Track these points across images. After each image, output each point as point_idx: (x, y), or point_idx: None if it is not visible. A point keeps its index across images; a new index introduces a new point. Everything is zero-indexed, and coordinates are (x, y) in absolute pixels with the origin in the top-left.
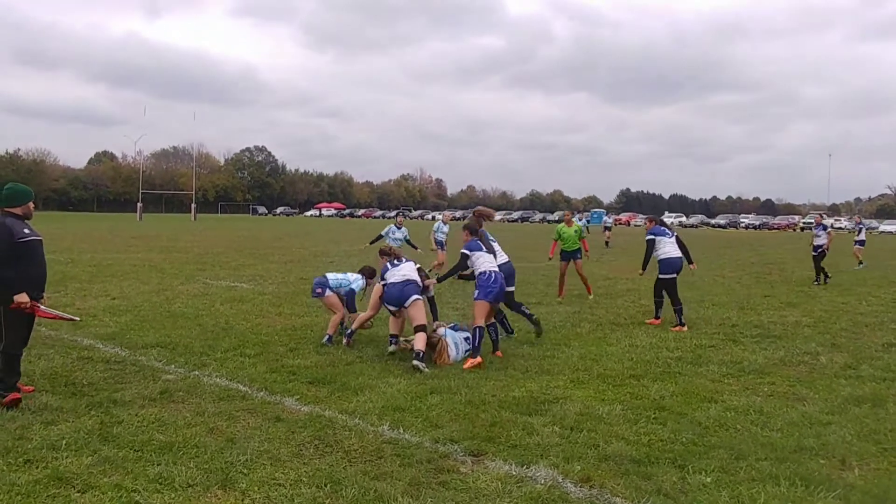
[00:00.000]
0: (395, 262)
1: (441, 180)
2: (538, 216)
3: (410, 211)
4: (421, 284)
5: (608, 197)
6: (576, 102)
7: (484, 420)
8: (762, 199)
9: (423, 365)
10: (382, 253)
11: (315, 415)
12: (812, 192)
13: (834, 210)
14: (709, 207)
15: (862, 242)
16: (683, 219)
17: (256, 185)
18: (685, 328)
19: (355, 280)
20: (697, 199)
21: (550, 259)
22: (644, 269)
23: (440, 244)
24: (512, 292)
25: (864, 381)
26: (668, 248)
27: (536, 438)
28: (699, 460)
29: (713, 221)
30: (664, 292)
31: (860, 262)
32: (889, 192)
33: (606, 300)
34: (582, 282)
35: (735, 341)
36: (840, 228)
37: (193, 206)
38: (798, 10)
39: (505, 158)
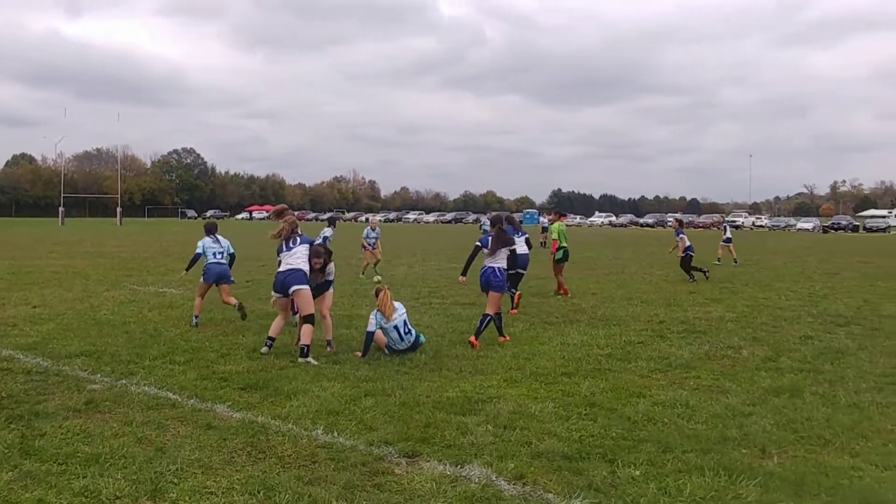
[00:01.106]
0: (291, 244)
1: (374, 182)
2: (471, 217)
3: (343, 213)
4: (307, 272)
5: (540, 197)
6: (509, 104)
7: (418, 421)
8: (688, 198)
9: (313, 359)
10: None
11: (247, 421)
12: (735, 192)
13: (755, 209)
14: (637, 207)
15: (728, 240)
16: (613, 218)
17: (185, 188)
18: None
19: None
20: (627, 198)
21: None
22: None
23: (371, 245)
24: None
25: (783, 373)
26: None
27: (470, 438)
28: (628, 454)
29: (641, 221)
30: None
31: (735, 261)
32: (806, 191)
33: (539, 299)
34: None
35: (662, 337)
36: (761, 226)
37: (119, 209)
38: (722, 16)
39: (439, 160)
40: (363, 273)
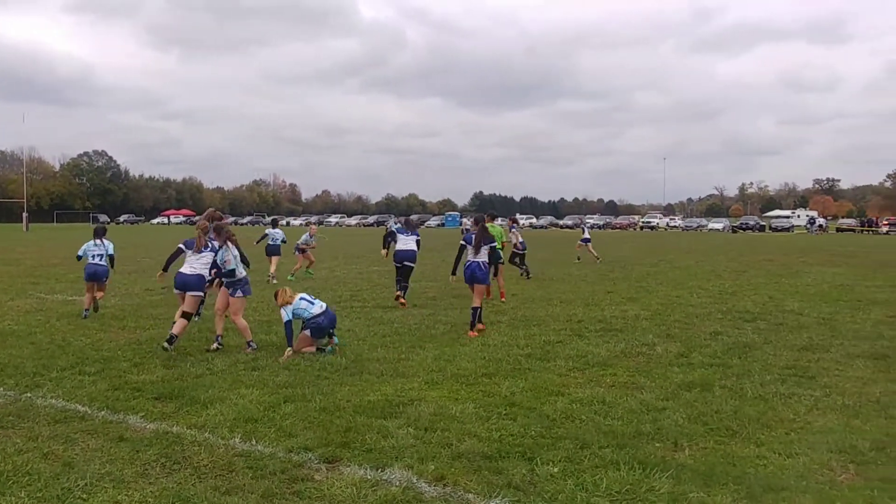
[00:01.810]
0: (202, 249)
1: (295, 185)
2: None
3: (264, 217)
4: (205, 277)
5: (462, 200)
6: (431, 107)
7: (339, 426)
8: (606, 200)
9: (171, 347)
10: (213, 230)
11: (162, 431)
12: (650, 194)
13: (669, 210)
14: (557, 209)
15: (587, 240)
16: (534, 220)
17: (97, 193)
18: None
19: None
20: (547, 200)
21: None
22: None
23: (301, 251)
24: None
25: (695, 368)
26: None
27: (391, 441)
28: (547, 452)
29: (561, 222)
30: None
31: (597, 258)
32: (716, 192)
33: (460, 301)
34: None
35: (581, 336)
36: (675, 227)
37: (25, 215)
38: (636, 22)
39: (361, 163)
40: (292, 275)
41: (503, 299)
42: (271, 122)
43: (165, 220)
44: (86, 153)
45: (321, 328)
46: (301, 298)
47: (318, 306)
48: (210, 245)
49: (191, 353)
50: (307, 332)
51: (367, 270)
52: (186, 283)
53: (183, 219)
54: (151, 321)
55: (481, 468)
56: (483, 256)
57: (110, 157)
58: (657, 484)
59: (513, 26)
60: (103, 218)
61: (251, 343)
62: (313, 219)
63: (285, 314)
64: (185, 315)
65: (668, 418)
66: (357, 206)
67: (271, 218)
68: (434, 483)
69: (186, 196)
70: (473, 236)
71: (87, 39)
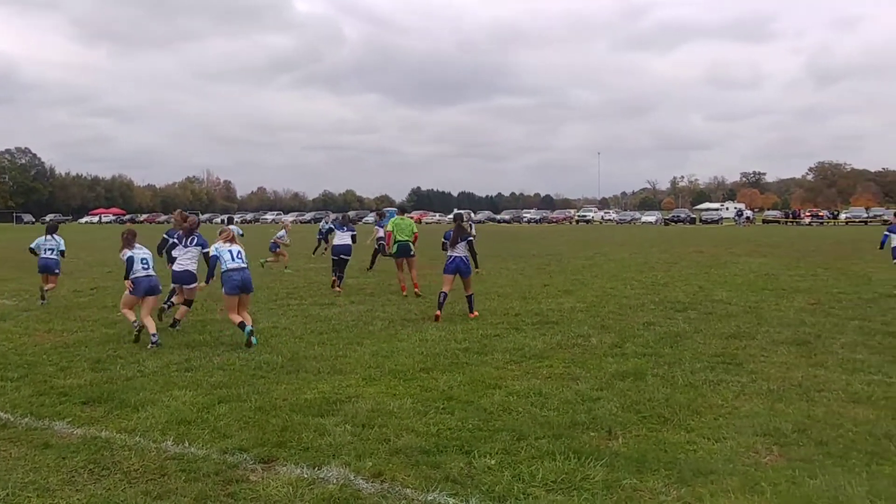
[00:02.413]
0: (188, 243)
1: (230, 182)
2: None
3: (198, 215)
4: (194, 271)
5: (400, 196)
6: (368, 103)
7: (275, 425)
8: (542, 194)
9: (175, 329)
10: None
11: (90, 437)
12: (585, 188)
13: (604, 204)
14: (495, 204)
15: (473, 237)
16: (472, 215)
17: (20, 191)
18: None
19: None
20: (484, 196)
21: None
22: None
23: (275, 247)
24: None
25: (628, 358)
26: None
27: (328, 439)
28: (484, 444)
29: (498, 217)
30: None
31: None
32: (649, 186)
33: (399, 297)
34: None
35: (518, 329)
36: (610, 220)
37: None
38: (569, 20)
39: (298, 159)
40: (287, 267)
41: (417, 290)
42: (204, 119)
43: (96, 220)
44: (8, 150)
45: (233, 283)
46: (228, 250)
47: (237, 264)
48: (196, 239)
49: (121, 355)
50: (223, 292)
51: (304, 268)
52: (182, 279)
53: (113, 218)
54: (79, 323)
55: (419, 463)
56: (462, 251)
57: (34, 155)
58: (592, 472)
59: (448, 23)
60: (28, 217)
61: (155, 338)
62: (290, 216)
63: (213, 249)
64: (186, 303)
65: (603, 407)
66: (294, 203)
67: (227, 216)
68: (371, 479)
69: (116, 194)
70: (452, 233)
71: (9, 33)
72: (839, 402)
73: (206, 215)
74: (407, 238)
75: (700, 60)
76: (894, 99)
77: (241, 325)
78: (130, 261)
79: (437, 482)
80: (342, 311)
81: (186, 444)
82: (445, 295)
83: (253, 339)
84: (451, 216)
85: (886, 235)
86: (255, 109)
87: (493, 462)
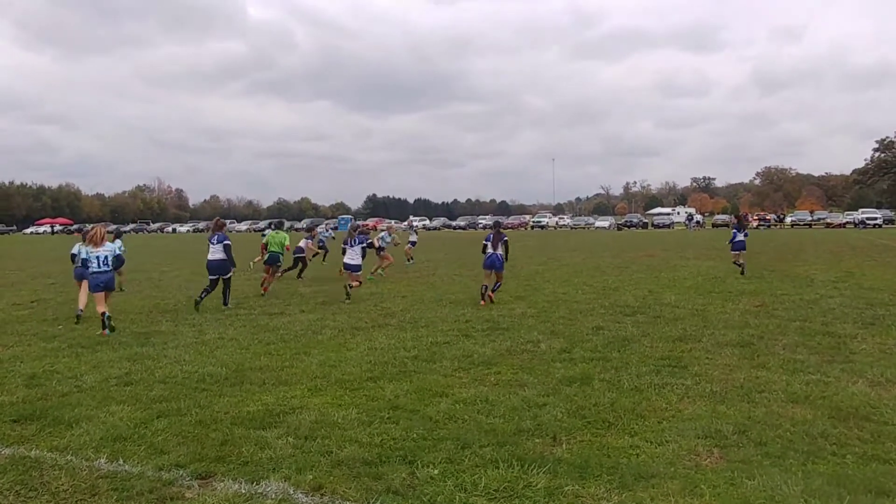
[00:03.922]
0: (214, 241)
1: (182, 191)
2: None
3: (149, 223)
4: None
5: (356, 203)
6: (320, 110)
7: (214, 439)
8: (497, 201)
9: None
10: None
11: (18, 457)
12: (540, 194)
13: (558, 209)
14: (450, 210)
15: (413, 243)
16: (427, 222)
17: None
18: None
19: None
20: (440, 202)
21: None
22: None
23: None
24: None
25: (576, 363)
26: None
27: (269, 452)
28: (428, 454)
29: (454, 223)
30: None
31: (409, 259)
32: (602, 192)
33: (349, 305)
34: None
35: (468, 336)
36: (564, 225)
37: None
38: (522, 28)
39: (250, 167)
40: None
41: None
42: (153, 126)
43: (46, 230)
44: None
45: (97, 283)
46: (96, 257)
47: (102, 269)
48: (217, 237)
49: (58, 370)
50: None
51: (255, 277)
52: (212, 269)
53: (59, 227)
54: (15, 338)
55: (361, 474)
56: (500, 250)
57: None
58: (534, 479)
59: (400, 30)
60: None
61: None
62: (243, 225)
63: (83, 251)
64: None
65: (549, 413)
66: (248, 211)
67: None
68: (312, 493)
69: (63, 204)
70: (492, 236)
71: None
72: (779, 402)
73: (157, 224)
74: (278, 250)
75: (650, 69)
76: (834, 106)
77: (103, 314)
78: (73, 258)
79: (378, 494)
80: (291, 320)
81: (121, 462)
82: (487, 287)
83: (109, 327)
84: (455, 222)
85: (735, 233)
86: (205, 116)
87: (436, 472)
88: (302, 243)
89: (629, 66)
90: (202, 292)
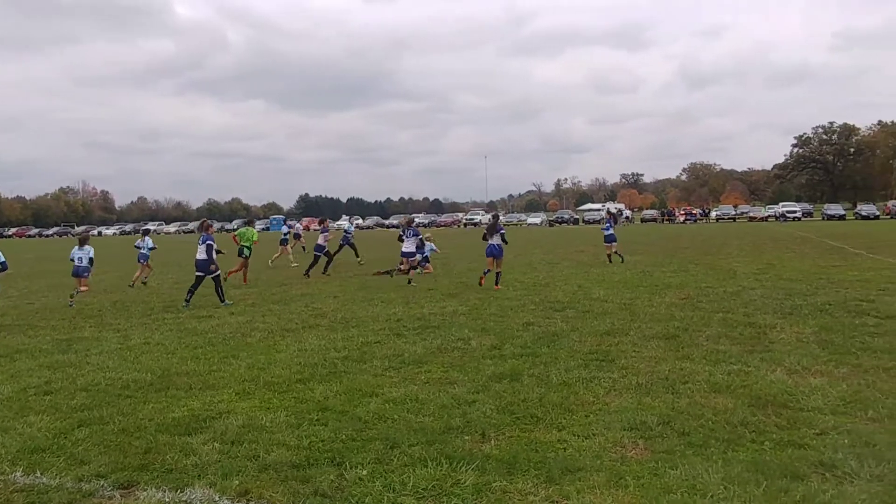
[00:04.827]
0: (199, 242)
1: (108, 192)
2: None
3: (73, 227)
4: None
5: (288, 203)
6: (253, 110)
7: (137, 447)
8: (431, 198)
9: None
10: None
11: None
12: (473, 191)
13: (491, 206)
14: (384, 209)
15: (284, 241)
16: (360, 221)
17: None
18: None
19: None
20: (374, 201)
21: None
22: None
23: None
24: None
25: (506, 359)
26: None
27: (194, 459)
28: (357, 455)
29: (387, 222)
30: None
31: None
32: (535, 188)
33: (279, 307)
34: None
35: (399, 335)
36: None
37: None
38: (457, 26)
39: (180, 168)
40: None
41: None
42: (82, 127)
43: None
44: None
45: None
46: (80, 255)
47: (79, 261)
48: (202, 237)
49: None
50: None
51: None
52: (198, 267)
53: None
54: None
55: (288, 478)
56: (497, 240)
57: None
58: (463, 477)
59: (335, 27)
60: None
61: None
62: (172, 227)
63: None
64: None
65: (478, 410)
66: (177, 213)
67: (143, 228)
68: (237, 499)
69: None
70: (490, 227)
71: None
72: (701, 392)
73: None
74: (247, 244)
75: (583, 66)
76: (756, 102)
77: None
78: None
79: (305, 497)
80: (220, 323)
81: (38, 474)
82: (489, 270)
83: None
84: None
85: (607, 227)
86: (135, 116)
87: (364, 472)
88: (320, 239)
89: (563, 63)
90: (188, 293)
